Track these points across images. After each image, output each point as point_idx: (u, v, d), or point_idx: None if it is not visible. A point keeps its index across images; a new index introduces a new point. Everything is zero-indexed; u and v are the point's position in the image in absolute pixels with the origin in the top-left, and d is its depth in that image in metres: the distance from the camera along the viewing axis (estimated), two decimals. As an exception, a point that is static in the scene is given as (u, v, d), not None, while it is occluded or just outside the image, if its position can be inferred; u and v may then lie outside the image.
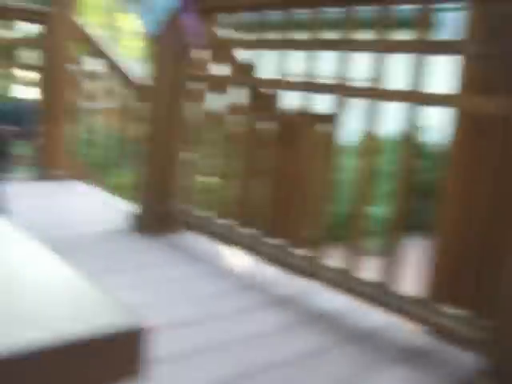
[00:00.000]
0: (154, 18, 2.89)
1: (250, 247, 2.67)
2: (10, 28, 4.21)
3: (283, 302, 2.38)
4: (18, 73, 6.59)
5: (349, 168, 3.04)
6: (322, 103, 2.43)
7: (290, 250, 2.49)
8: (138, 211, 3.25)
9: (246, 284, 2.56)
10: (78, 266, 2.11)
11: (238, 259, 2.87)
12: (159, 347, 1.94)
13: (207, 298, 2.39)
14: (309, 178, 3.05)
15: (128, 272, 2.59)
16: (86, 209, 3.70)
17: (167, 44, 2.99)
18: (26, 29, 4.51)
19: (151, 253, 2.88)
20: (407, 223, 2.10)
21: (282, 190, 2.69)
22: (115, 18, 17.64)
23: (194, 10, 2.75)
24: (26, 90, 5.58)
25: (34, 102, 3.97)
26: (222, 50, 2.86)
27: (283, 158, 2.95)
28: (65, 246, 2.87)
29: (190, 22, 2.77)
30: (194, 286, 2.49)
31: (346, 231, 2.32)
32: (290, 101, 2.74)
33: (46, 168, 4.21)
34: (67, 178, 4.25)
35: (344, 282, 2.24)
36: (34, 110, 3.44)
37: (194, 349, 1.92)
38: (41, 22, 4.08)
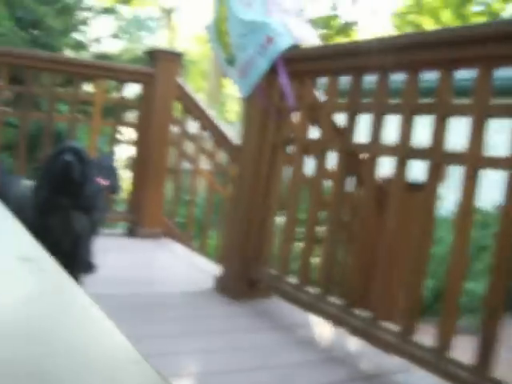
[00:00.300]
0: (247, 81, 2.91)
1: (337, 318, 2.54)
2: (119, 89, 4.38)
3: (368, 379, 2.23)
4: (123, 131, 6.89)
5: (445, 240, 2.90)
6: (418, 171, 2.33)
7: (379, 323, 2.34)
8: (223, 274, 3.21)
9: (331, 356, 2.43)
10: (156, 325, 2.11)
11: (324, 329, 2.74)
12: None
13: (288, 368, 2.27)
14: (402, 249, 2.92)
15: (207, 336, 2.53)
16: (174, 268, 3.71)
17: (256, 106, 2.99)
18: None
19: (234, 317, 2.81)
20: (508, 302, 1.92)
21: (373, 259, 2.57)
22: (220, 83, 18.25)
23: (286, 73, 2.74)
24: (127, 148, 5.78)
25: (115, 156, 4.07)
26: (316, 113, 2.82)
27: (376, 227, 2.84)
28: (147, 304, 2.89)
29: (282, 84, 2.76)
30: (275, 355, 2.39)
31: (439, 306, 2.16)
32: (384, 167, 2.64)
33: (138, 225, 4.28)
34: (158, 235, 4.30)
35: (436, 361, 2.07)
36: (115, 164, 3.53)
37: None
38: (144, 83, 4.23)
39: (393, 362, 2.28)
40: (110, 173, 3.34)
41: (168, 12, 22.21)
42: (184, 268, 3.71)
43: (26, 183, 2.92)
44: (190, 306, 2.95)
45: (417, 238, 2.23)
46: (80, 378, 0.44)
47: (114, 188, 3.31)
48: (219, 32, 3.05)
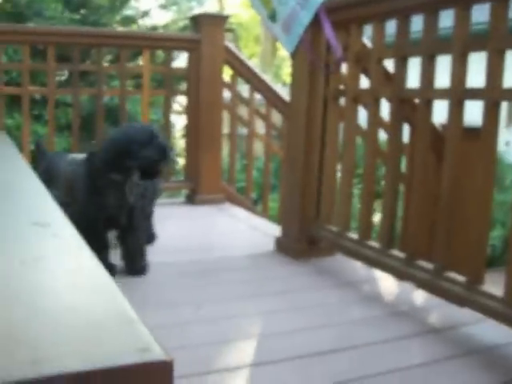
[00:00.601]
0: (291, 36, 2.82)
1: (401, 271, 2.46)
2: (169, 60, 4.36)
3: (435, 332, 2.15)
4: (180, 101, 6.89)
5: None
6: (475, 114, 2.20)
7: (445, 274, 2.25)
8: (283, 234, 3.17)
9: (396, 311, 2.36)
10: (218, 289, 2.10)
11: (388, 284, 2.67)
12: (305, 377, 1.84)
13: (353, 325, 2.22)
14: (464, 197, 2.79)
15: (271, 297, 2.50)
16: (235, 232, 3.69)
17: (303, 61, 2.90)
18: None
19: (296, 277, 2.77)
20: None
21: (435, 210, 2.46)
22: (273, 46, 18.03)
23: (330, 23, 2.63)
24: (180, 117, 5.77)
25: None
26: (365, 62, 2.71)
27: (435, 175, 2.72)
28: (211, 269, 2.88)
29: (327, 35, 2.66)
30: (339, 312, 2.34)
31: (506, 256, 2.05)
32: (439, 113, 2.52)
33: (197, 192, 4.28)
34: (218, 201, 4.29)
35: (506, 312, 1.97)
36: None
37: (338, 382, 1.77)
38: (190, 49, 4.18)
39: (461, 313, 2.19)
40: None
41: (216, -21, 22.02)
42: (245, 232, 3.69)
43: (74, 158, 2.92)
44: (252, 269, 2.93)
45: (479, 184, 2.12)
46: (62, 337, 0.40)
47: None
48: (259, -13, 2.96)
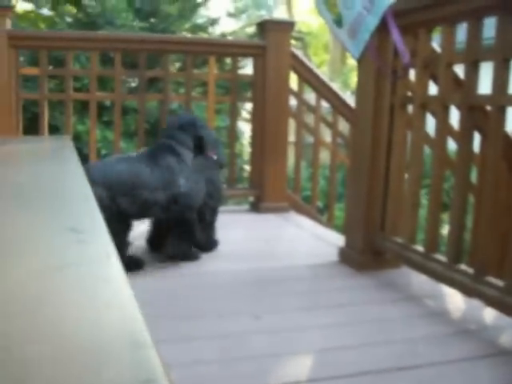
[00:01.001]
0: (357, 41, 2.74)
1: (470, 287, 2.33)
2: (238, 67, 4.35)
3: (504, 354, 2.02)
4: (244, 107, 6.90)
5: None
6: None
7: (517, 292, 2.11)
8: (347, 245, 3.09)
9: (462, 330, 2.24)
10: (278, 300, 2.04)
11: (455, 300, 2.55)
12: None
13: (414, 343, 2.12)
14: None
15: (332, 309, 2.42)
16: (299, 241, 3.63)
17: (370, 67, 2.81)
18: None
19: (358, 290, 2.68)
20: None
21: (506, 222, 2.34)
22: (342, 54, 17.88)
23: (397, 27, 2.54)
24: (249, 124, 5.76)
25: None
26: (434, 67, 2.60)
27: (507, 186, 2.59)
28: (271, 278, 2.83)
29: (394, 40, 2.57)
30: (401, 329, 2.24)
31: None
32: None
33: (261, 200, 4.25)
34: (283, 210, 4.24)
35: None
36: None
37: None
38: (256, 55, 4.15)
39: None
40: (215, 145, 3.33)
41: (286, -13, 22.07)
42: (309, 241, 3.62)
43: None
44: (313, 280, 2.86)
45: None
46: (58, 356, 0.35)
47: (220, 161, 3.28)
48: (325, -8, 2.90)
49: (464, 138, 2.41)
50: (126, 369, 0.35)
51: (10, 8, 3.89)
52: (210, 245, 3.18)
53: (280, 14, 22.74)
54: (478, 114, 2.52)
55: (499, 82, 2.16)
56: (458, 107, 2.42)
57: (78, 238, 0.66)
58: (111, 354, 0.36)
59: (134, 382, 0.33)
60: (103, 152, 5.66)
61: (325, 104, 4.35)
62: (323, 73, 4.49)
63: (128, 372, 0.35)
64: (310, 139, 4.63)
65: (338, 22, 2.83)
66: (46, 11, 7.57)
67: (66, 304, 0.45)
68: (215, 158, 3.31)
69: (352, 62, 18.58)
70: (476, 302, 2.36)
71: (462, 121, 2.38)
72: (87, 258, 0.58)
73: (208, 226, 3.17)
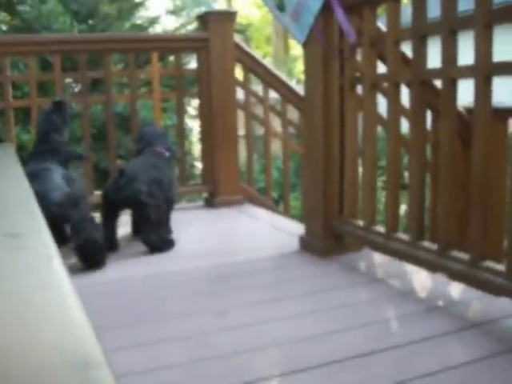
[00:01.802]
0: (301, 24, 2.69)
1: (434, 263, 2.31)
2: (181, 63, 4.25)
3: (476, 327, 2.00)
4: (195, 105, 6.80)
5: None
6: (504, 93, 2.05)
7: (481, 264, 2.10)
8: (307, 233, 3.04)
9: (432, 306, 2.22)
10: (243, 294, 1.97)
11: (420, 278, 2.53)
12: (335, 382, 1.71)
13: (385, 325, 2.09)
14: (496, 183, 2.64)
15: (299, 299, 2.37)
16: (257, 233, 3.57)
17: (316, 49, 2.76)
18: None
19: (323, 277, 2.64)
20: None
21: (465, 199, 2.32)
22: (285, 45, 17.91)
23: (342, 7, 2.50)
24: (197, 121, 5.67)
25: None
26: (381, 46, 2.57)
27: (463, 163, 2.57)
28: (233, 273, 2.76)
29: (339, 21, 2.52)
30: (372, 311, 2.21)
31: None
32: (463, 96, 2.37)
33: (215, 195, 4.17)
34: (238, 203, 4.18)
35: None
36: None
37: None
38: (199, 48, 4.06)
39: (501, 305, 2.05)
40: (164, 140, 3.34)
41: (224, -18, 21.94)
42: (268, 232, 3.56)
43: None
44: (277, 270, 2.81)
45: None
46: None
47: (173, 153, 3.31)
48: (266, -23, 2.84)
49: (416, 116, 2.39)
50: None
51: None
52: (165, 245, 3.09)
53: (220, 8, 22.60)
54: (429, 92, 2.50)
55: (448, 55, 2.14)
56: (409, 84, 2.40)
57: (16, 243, 0.58)
58: (52, 375, 0.29)
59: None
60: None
61: (273, 94, 4.29)
62: (268, 63, 4.41)
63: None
64: (260, 131, 4.57)
65: (281, 6, 2.78)
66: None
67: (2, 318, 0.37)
68: (167, 154, 3.25)
69: (295, 53, 18.62)
70: (441, 278, 2.34)
71: (414, 98, 2.36)
72: (25, 264, 0.50)
73: (157, 224, 3.07)
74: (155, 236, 3.04)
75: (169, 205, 3.19)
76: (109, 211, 3.09)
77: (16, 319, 0.37)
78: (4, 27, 6.95)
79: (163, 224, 3.13)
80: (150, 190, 2.99)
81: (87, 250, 2.76)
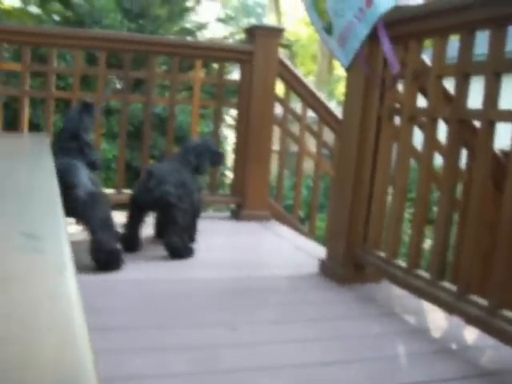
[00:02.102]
0: (347, 50, 2.69)
1: (452, 305, 2.28)
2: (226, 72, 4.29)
3: (486, 376, 1.96)
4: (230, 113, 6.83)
5: None
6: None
7: (500, 311, 2.06)
8: (328, 257, 3.02)
9: (443, 348, 2.18)
10: (256, 311, 1.95)
11: (436, 317, 2.49)
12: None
13: (394, 361, 2.06)
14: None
15: (308, 323, 2.35)
16: (279, 251, 3.56)
17: (358, 76, 2.76)
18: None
19: (338, 304, 2.62)
20: None
21: (492, 242, 2.28)
22: (330, 65, 17.91)
23: (388, 37, 2.49)
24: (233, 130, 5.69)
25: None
26: (424, 80, 2.55)
27: (494, 205, 2.53)
28: (249, 288, 2.75)
29: (385, 50, 2.52)
30: (380, 346, 2.17)
31: None
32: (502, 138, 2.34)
33: (242, 207, 4.18)
34: (264, 218, 4.17)
35: None
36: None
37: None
38: (243, 60, 4.09)
39: (517, 356, 2.01)
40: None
41: (276, -4, 22.07)
42: (290, 251, 3.55)
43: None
44: (293, 292, 2.79)
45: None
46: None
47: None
48: (315, -2, 2.85)
49: (451, 153, 2.36)
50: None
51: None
52: (185, 251, 3.10)
53: (269, 22, 22.74)
54: (467, 130, 2.48)
55: (490, 96, 2.11)
56: (447, 121, 2.38)
57: (33, 245, 0.58)
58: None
59: None
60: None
61: (311, 113, 4.30)
62: (310, 82, 4.42)
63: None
64: (294, 148, 4.58)
65: (328, 29, 2.78)
66: (33, 8, 7.45)
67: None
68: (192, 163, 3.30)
69: (338, 73, 18.63)
70: (457, 320, 2.31)
71: (451, 135, 2.33)
72: (37, 270, 0.51)
73: (182, 228, 3.08)
74: (178, 239, 3.05)
75: (195, 212, 3.21)
76: (136, 212, 3.12)
77: (15, 328, 0.37)
78: (56, 18, 7.09)
79: (187, 230, 3.15)
80: (178, 193, 3.03)
81: (104, 262, 2.76)
